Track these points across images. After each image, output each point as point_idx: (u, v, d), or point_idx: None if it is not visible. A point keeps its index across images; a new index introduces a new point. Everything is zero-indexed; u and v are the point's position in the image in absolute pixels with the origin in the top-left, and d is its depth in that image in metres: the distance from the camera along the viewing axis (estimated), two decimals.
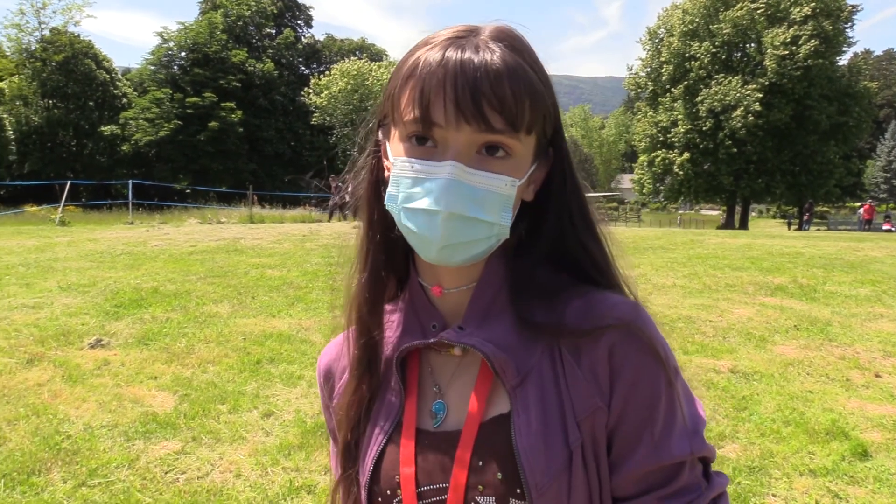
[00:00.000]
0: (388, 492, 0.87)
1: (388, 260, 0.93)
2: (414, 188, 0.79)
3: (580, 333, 0.83)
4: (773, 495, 3.39)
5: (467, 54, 0.77)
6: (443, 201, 0.77)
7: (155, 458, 3.80)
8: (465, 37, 0.80)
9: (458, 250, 0.81)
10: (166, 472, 3.65)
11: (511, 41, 0.80)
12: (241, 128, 49.33)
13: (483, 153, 0.79)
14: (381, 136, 0.89)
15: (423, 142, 0.79)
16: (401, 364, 0.90)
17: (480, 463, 0.82)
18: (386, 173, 0.87)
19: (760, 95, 37.20)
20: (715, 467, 0.88)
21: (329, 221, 21.03)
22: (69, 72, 46.19)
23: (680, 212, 69.62)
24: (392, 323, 0.95)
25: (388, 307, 0.96)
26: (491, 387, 0.85)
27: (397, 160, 0.81)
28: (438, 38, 0.81)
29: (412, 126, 0.79)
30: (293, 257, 10.30)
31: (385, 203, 0.84)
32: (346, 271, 0.97)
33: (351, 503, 0.95)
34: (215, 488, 3.49)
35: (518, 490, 0.80)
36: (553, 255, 0.89)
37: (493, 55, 0.77)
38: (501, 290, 0.88)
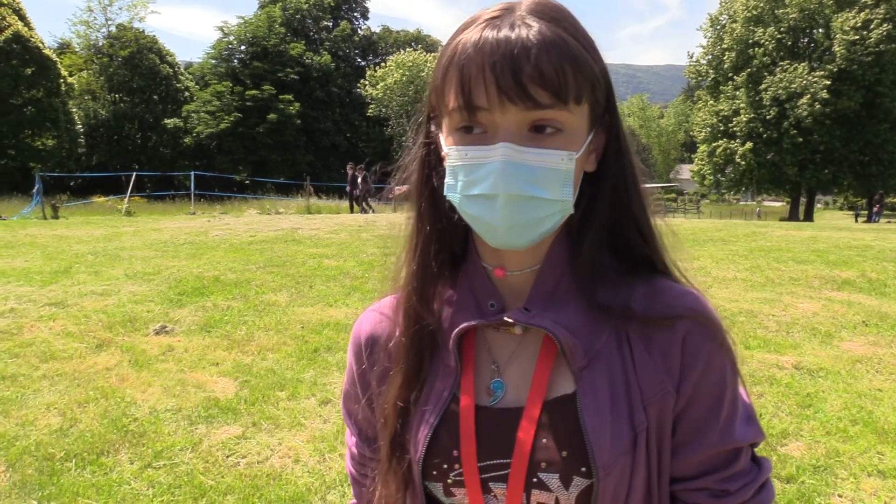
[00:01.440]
0: (445, 466, 0.87)
1: (440, 248, 0.92)
2: (470, 175, 0.79)
3: (653, 320, 0.85)
4: (839, 496, 3.28)
5: (503, 33, 0.76)
6: (500, 184, 0.77)
7: (217, 442, 3.90)
8: (501, 16, 0.78)
9: (523, 231, 0.80)
10: (228, 456, 3.75)
11: (549, 12, 0.79)
12: (299, 120, 50.08)
13: (534, 130, 0.78)
14: (433, 128, 0.89)
15: (472, 129, 0.79)
16: (457, 342, 0.89)
17: (544, 440, 0.83)
18: (443, 163, 0.87)
19: (828, 82, 35.80)
20: (777, 465, 0.91)
21: (353, 213, 20.78)
22: (134, 66, 47.67)
23: (750, 203, 67.78)
24: (446, 301, 0.94)
25: (442, 286, 0.95)
26: (553, 367, 0.86)
27: (451, 150, 0.81)
28: (475, 21, 0.80)
29: (458, 115, 0.79)
30: (349, 247, 10.42)
31: (445, 193, 0.84)
32: (397, 255, 0.98)
33: (400, 489, 0.92)
34: (274, 473, 3.57)
35: (583, 469, 0.81)
36: (611, 229, 0.89)
37: (529, 30, 0.75)
38: (566, 272, 0.88)
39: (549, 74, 0.74)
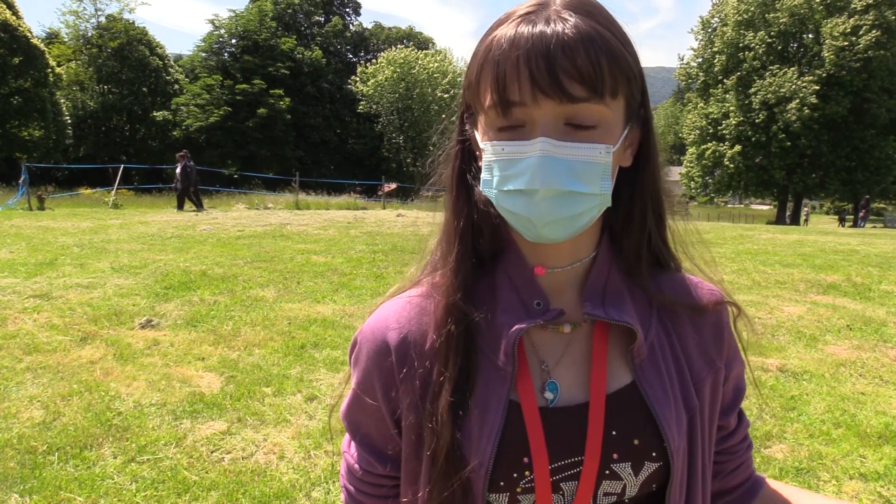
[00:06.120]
0: (514, 475, 0.83)
1: (475, 245, 0.91)
2: (507, 171, 0.79)
3: (701, 308, 0.95)
4: None
5: (538, 28, 0.75)
6: (538, 179, 0.76)
7: (201, 437, 3.88)
8: (536, 10, 0.78)
9: (561, 226, 0.79)
10: (212, 452, 3.73)
11: (584, 6, 0.79)
12: (289, 115, 49.85)
13: (571, 124, 0.77)
14: (468, 126, 0.88)
15: (509, 126, 0.78)
16: (514, 342, 0.86)
17: (614, 432, 0.85)
18: (479, 162, 0.86)
19: (817, 87, 36.03)
20: (761, 467, 1.06)
21: (180, 209, 18.43)
22: (124, 58, 47.27)
23: (738, 206, 68.09)
24: (486, 299, 0.90)
25: (478, 283, 0.92)
26: (607, 360, 0.88)
27: (487, 145, 0.81)
28: (509, 17, 0.80)
29: (493, 111, 0.78)
30: (338, 244, 10.39)
31: (481, 189, 0.84)
32: (425, 253, 0.97)
33: None
34: (259, 469, 3.55)
35: (653, 454, 0.85)
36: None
37: (564, 25, 0.75)
38: (612, 267, 0.91)
39: (585, 68, 0.74)
